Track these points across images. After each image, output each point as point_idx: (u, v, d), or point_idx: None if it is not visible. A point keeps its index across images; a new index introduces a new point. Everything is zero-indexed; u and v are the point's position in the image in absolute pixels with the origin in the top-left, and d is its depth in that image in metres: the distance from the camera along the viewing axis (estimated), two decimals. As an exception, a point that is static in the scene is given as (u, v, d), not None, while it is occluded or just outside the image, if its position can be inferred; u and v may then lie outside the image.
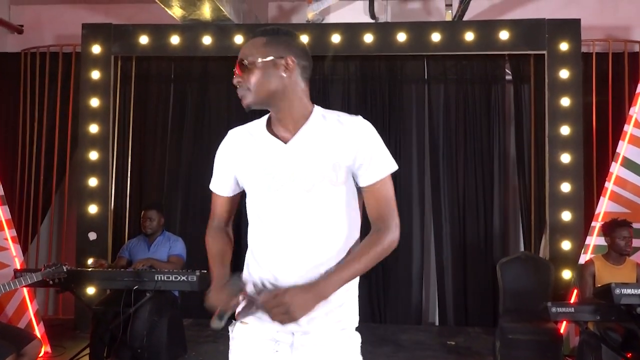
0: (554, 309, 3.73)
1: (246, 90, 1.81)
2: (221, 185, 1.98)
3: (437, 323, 6.28)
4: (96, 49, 5.97)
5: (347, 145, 1.80)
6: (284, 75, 1.80)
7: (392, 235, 1.80)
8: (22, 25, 7.02)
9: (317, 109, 1.87)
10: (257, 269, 1.85)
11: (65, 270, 3.85)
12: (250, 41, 1.84)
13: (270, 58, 1.80)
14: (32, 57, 6.67)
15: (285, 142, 1.83)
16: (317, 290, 1.69)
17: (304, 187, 1.79)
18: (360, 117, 1.87)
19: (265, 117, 1.93)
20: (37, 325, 5.05)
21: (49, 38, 6.81)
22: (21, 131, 6.63)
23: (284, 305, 1.64)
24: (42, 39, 6.80)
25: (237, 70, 1.83)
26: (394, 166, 1.87)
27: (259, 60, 1.80)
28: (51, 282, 3.82)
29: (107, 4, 6.80)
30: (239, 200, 2.02)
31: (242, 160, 1.89)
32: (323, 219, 1.80)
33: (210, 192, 2.03)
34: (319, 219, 1.80)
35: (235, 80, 1.83)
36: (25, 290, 4.95)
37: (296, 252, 1.79)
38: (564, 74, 5.65)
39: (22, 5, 6.99)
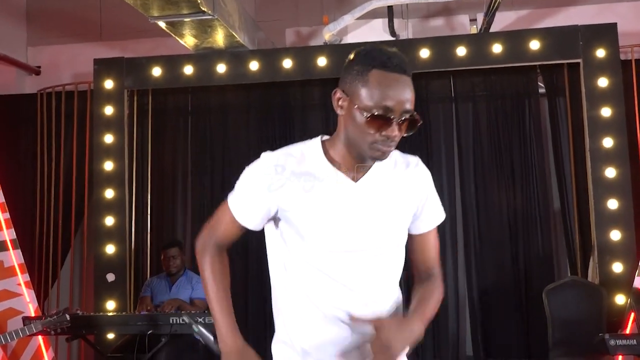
0: (612, 342, 3.31)
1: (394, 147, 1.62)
2: (249, 215, 1.68)
3: (472, 355, 5.84)
4: (109, 83, 5.84)
5: (414, 189, 1.69)
6: None
7: (441, 282, 1.76)
8: (39, 67, 6.98)
9: None
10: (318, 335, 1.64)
11: (68, 318, 3.59)
12: (410, 84, 1.60)
13: None
14: (48, 97, 6.59)
15: (355, 181, 1.62)
16: (411, 328, 1.58)
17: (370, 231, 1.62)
18: (419, 159, 1.75)
19: (315, 143, 1.68)
20: (54, 374, 4.81)
21: (66, 77, 6.74)
22: (39, 173, 6.52)
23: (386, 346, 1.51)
24: (60, 78, 6.73)
25: (401, 124, 1.56)
26: (443, 214, 1.81)
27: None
28: (53, 332, 3.55)
29: (123, 40, 6.72)
30: None
31: (296, 191, 1.61)
32: (389, 276, 1.69)
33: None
34: (385, 275, 1.68)
35: (398, 137, 1.58)
36: (40, 338, 4.73)
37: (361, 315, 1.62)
38: (603, 82, 5.27)
39: (39, 46, 6.97)
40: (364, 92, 1.54)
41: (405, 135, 1.58)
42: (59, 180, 6.43)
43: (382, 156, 1.58)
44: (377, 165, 1.65)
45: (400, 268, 1.72)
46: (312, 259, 1.61)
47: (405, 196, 1.67)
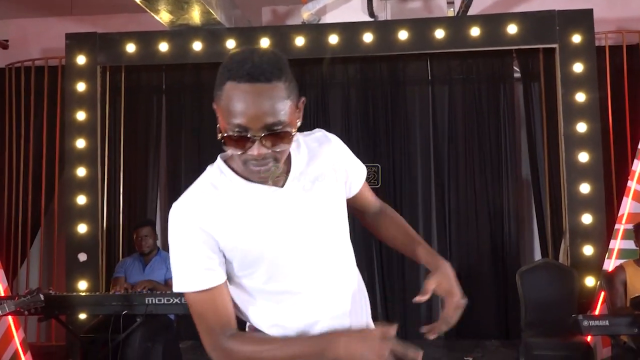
0: (585, 322, 3.38)
1: (274, 163, 1.37)
2: (213, 271, 1.41)
3: (444, 336, 5.92)
4: (81, 59, 5.68)
5: (335, 162, 1.58)
6: (299, 123, 1.42)
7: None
8: (7, 40, 6.76)
9: None
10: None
11: (42, 298, 3.51)
12: (267, 91, 1.30)
13: (297, 114, 1.39)
14: (17, 72, 6.41)
15: (282, 186, 1.45)
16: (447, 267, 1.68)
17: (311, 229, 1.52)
18: (322, 130, 1.62)
19: (218, 170, 1.47)
20: (24, 355, 4.73)
21: (35, 52, 6.55)
22: (7, 150, 6.36)
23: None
24: (28, 53, 6.53)
25: (263, 141, 1.31)
26: (363, 166, 1.76)
27: (292, 125, 1.35)
28: (27, 312, 3.48)
29: (94, 15, 6.54)
30: None
31: (230, 227, 1.41)
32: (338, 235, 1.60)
33: None
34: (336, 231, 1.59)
35: (262, 155, 1.33)
36: (10, 318, 4.64)
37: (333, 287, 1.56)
38: (578, 67, 5.33)
39: (6, 19, 6.74)
40: (219, 111, 1.34)
41: (278, 150, 1.34)
42: (29, 157, 6.28)
43: (260, 177, 1.38)
44: (296, 161, 1.48)
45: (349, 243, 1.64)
46: (268, 284, 1.46)
47: (332, 175, 1.54)
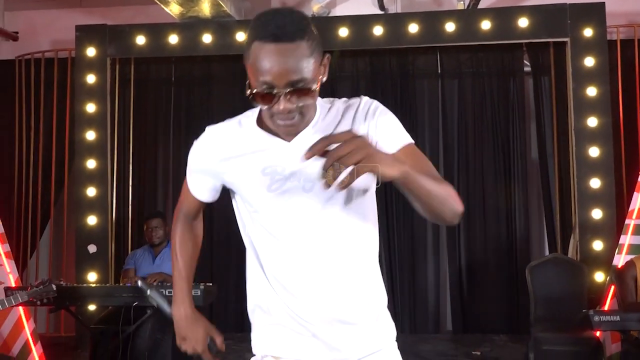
0: (596, 318, 3.36)
1: (300, 117, 1.46)
2: (199, 189, 1.71)
3: (452, 330, 5.93)
4: (91, 51, 5.69)
5: (358, 127, 1.54)
6: (323, 79, 1.49)
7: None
8: (16, 32, 6.76)
9: (320, 102, 1.57)
10: (274, 293, 1.59)
11: (54, 288, 3.53)
12: (291, 50, 1.37)
13: (321, 70, 1.46)
14: (27, 64, 6.42)
15: (289, 141, 1.53)
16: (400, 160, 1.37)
17: (308, 187, 1.52)
18: (363, 96, 1.60)
19: (252, 112, 1.61)
20: (35, 345, 4.75)
21: (45, 44, 6.55)
22: (17, 141, 6.38)
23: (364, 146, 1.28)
24: (38, 45, 6.54)
25: (288, 96, 1.40)
26: (410, 138, 1.57)
27: (315, 81, 1.42)
28: (39, 302, 3.49)
29: (103, 7, 6.54)
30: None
31: (234, 163, 1.58)
32: (340, 226, 1.55)
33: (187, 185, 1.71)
34: (335, 225, 1.55)
35: (288, 109, 1.41)
36: (20, 308, 4.66)
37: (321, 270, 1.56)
38: (589, 61, 5.29)
39: (16, 11, 6.74)
40: (248, 69, 1.43)
41: (301, 105, 1.43)
42: (38, 149, 6.30)
43: (287, 129, 1.48)
44: (316, 120, 1.53)
45: (364, 225, 1.58)
46: (265, 225, 1.58)
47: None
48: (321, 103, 1.57)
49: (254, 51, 1.39)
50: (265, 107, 1.44)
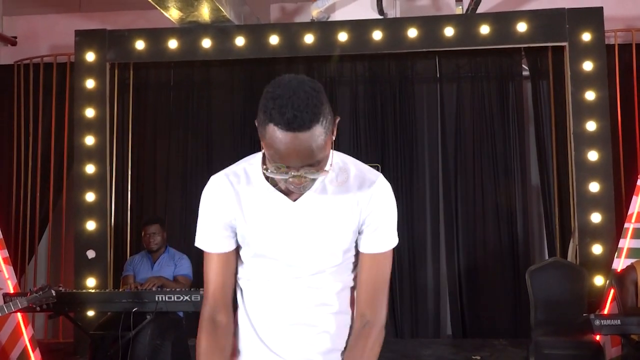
0: (597, 322, 3.36)
1: (311, 184, 1.54)
2: (219, 239, 1.64)
3: (452, 335, 5.92)
4: (90, 56, 5.69)
5: (361, 207, 1.59)
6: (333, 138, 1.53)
7: (382, 334, 1.63)
8: (15, 37, 6.77)
9: (336, 156, 1.59)
10: (253, 338, 1.66)
11: (54, 294, 3.51)
12: (306, 138, 1.39)
13: (332, 136, 1.49)
14: (26, 69, 6.42)
15: (294, 200, 1.57)
16: None
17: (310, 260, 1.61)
18: (382, 177, 1.62)
19: (256, 160, 1.62)
20: (33, 352, 4.73)
21: (44, 49, 6.56)
22: (16, 146, 6.37)
23: None
24: (37, 49, 6.54)
25: (300, 177, 1.45)
26: (396, 241, 1.67)
27: (327, 155, 1.48)
28: (38, 308, 3.48)
29: (102, 12, 6.54)
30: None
31: (244, 212, 1.61)
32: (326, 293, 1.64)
33: None
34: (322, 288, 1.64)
35: (301, 184, 1.48)
36: (19, 315, 4.64)
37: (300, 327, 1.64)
38: (588, 66, 5.31)
39: (15, 16, 6.75)
40: (264, 145, 1.46)
41: (314, 177, 1.48)
42: (37, 154, 6.29)
43: (299, 192, 1.54)
44: (321, 180, 1.56)
45: (346, 289, 1.66)
46: (254, 266, 1.64)
47: (346, 214, 1.59)
48: (336, 161, 1.59)
49: (269, 132, 1.40)
50: (279, 178, 1.48)
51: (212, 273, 1.64)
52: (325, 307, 1.63)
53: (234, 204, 1.60)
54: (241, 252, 1.66)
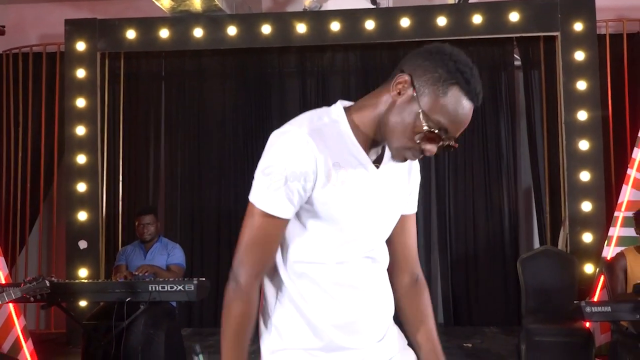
0: (588, 309, 3.40)
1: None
2: (293, 204, 1.44)
3: (444, 323, 5.97)
4: (81, 45, 5.64)
5: (411, 174, 1.64)
6: None
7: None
8: (3, 26, 6.67)
9: None
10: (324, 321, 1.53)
11: (48, 284, 3.50)
12: (472, 114, 1.45)
13: None
14: (15, 58, 6.36)
15: (377, 167, 1.54)
16: None
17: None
18: None
19: (341, 117, 1.50)
20: (26, 342, 4.71)
21: (33, 38, 6.50)
22: (5, 137, 6.32)
23: None
24: (26, 39, 6.48)
25: (452, 146, 1.47)
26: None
27: None
28: (32, 298, 3.46)
29: (92, 0, 6.48)
30: None
31: (329, 176, 1.44)
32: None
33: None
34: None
35: (425, 156, 1.48)
36: (11, 305, 4.62)
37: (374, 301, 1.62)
38: (580, 55, 5.33)
39: (3, 4, 6.67)
40: (435, 103, 1.39)
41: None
42: (27, 144, 6.25)
43: (400, 161, 1.50)
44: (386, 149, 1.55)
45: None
46: (330, 240, 1.50)
47: (405, 181, 1.62)
48: None
49: (453, 95, 1.39)
50: (416, 140, 1.42)
51: (270, 239, 1.46)
52: (386, 280, 1.66)
53: (319, 165, 1.42)
54: (310, 227, 1.49)
